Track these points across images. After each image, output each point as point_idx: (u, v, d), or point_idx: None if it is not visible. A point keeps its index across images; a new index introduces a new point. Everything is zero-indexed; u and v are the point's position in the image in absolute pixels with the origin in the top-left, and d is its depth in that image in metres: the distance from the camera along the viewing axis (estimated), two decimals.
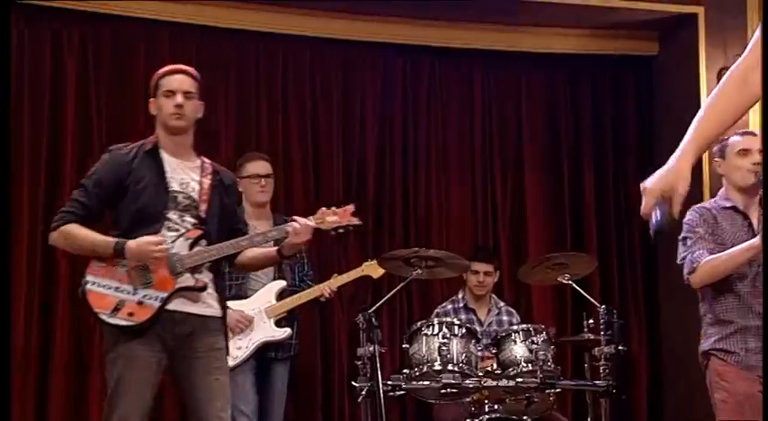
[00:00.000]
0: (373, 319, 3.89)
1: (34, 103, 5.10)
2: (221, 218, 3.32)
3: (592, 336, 4.30)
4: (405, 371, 4.07)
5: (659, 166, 7.06)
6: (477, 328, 4.76)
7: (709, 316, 3.38)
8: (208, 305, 3.25)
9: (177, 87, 3.29)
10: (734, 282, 3.28)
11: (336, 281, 4.52)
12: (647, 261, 5.99)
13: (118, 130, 5.02)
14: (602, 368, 4.05)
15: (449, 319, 4.23)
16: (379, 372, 3.74)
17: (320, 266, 5.46)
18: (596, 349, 4.10)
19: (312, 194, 5.61)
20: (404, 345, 4.15)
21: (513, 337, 4.16)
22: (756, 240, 3.14)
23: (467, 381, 3.96)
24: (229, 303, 4.29)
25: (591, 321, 4.35)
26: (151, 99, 3.37)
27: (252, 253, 3.38)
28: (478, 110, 6.03)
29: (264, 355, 4.41)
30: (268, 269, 4.42)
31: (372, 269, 4.55)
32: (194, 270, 3.21)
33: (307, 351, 5.22)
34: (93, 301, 3.13)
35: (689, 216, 3.41)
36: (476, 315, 4.90)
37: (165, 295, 3.15)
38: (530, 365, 4.05)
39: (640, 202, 7.02)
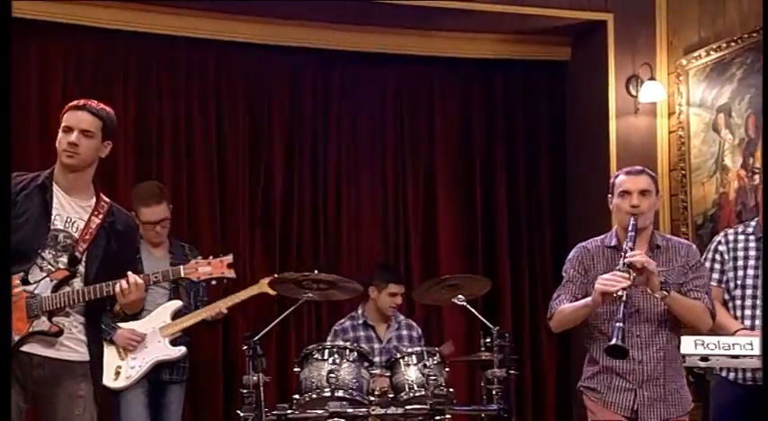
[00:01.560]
0: (258, 348, 3.76)
1: None
2: (105, 262, 3.13)
3: (488, 356, 4.21)
4: (295, 396, 3.96)
5: (570, 171, 6.97)
6: (376, 346, 4.67)
7: (588, 353, 3.46)
8: (72, 349, 3.10)
9: (75, 124, 3.15)
10: (603, 323, 3.32)
11: (230, 299, 4.41)
12: (558, 275, 5.91)
13: None
14: (494, 391, 3.98)
15: (340, 343, 4.13)
16: (262, 403, 3.63)
17: (226, 285, 5.28)
18: (489, 371, 4.02)
19: (218, 213, 5.44)
20: (295, 370, 4.03)
21: (405, 360, 4.07)
22: (589, 298, 3.24)
23: (355, 409, 3.85)
24: (122, 324, 4.22)
25: (488, 340, 4.27)
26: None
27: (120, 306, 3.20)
28: (390, 115, 5.91)
29: (159, 377, 4.34)
30: (162, 291, 4.36)
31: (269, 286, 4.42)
32: (53, 313, 3.05)
33: (208, 373, 5.10)
34: None
35: (571, 253, 3.51)
36: (375, 332, 4.79)
37: (17, 338, 3.00)
38: (422, 390, 3.96)
39: (553, 209, 6.83)
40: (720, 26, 5.16)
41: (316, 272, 4.20)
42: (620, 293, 3.09)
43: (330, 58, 5.76)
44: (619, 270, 3.14)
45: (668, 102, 5.51)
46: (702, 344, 3.55)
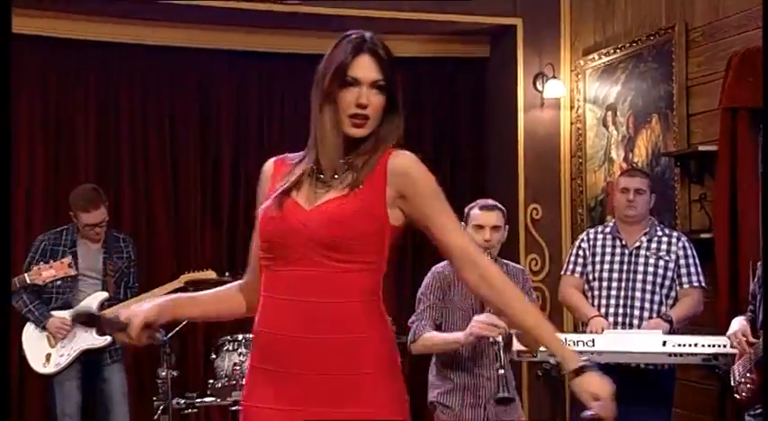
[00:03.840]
0: (167, 347, 3.90)
1: None
2: None
3: None
4: (210, 381, 4.13)
5: (488, 159, 6.86)
6: None
7: (435, 368, 3.43)
8: None
9: None
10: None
11: (149, 294, 4.25)
12: None
13: None
14: None
15: (251, 336, 4.21)
16: (170, 394, 3.80)
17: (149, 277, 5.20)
18: None
19: (172, 211, 5.61)
20: (211, 356, 4.19)
21: None
22: (461, 336, 3.18)
23: None
24: (55, 312, 4.30)
25: None
26: None
27: None
28: None
29: (97, 360, 4.37)
30: (94, 281, 4.38)
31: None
32: None
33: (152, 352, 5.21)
34: None
35: (427, 278, 3.39)
36: None
37: None
38: None
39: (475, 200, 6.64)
40: (610, 33, 5.19)
41: (227, 274, 4.27)
42: (498, 339, 3.07)
43: (274, 60, 5.80)
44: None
45: (569, 97, 5.57)
46: None
